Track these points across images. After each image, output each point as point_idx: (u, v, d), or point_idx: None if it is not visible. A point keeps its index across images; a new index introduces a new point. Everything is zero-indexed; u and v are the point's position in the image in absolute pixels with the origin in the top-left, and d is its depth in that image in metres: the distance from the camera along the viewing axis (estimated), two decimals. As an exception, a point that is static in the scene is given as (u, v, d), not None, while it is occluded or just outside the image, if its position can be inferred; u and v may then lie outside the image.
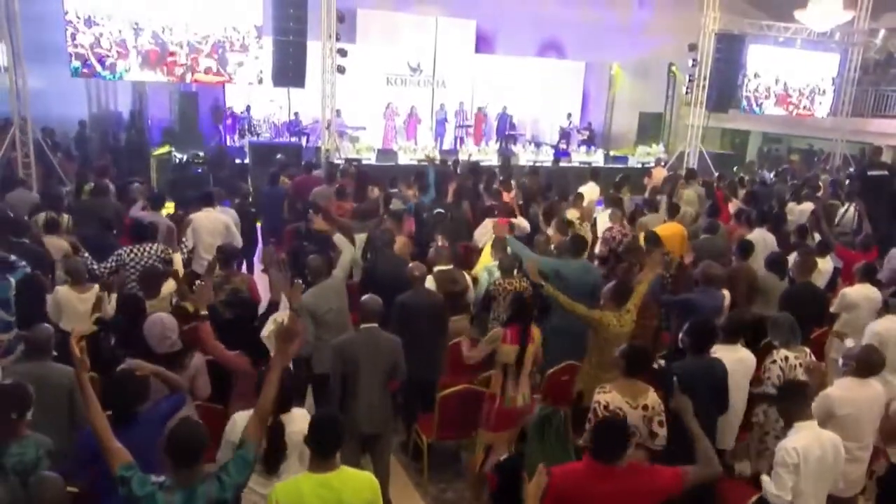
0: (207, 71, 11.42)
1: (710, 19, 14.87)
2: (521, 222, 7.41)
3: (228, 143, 14.72)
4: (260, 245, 8.27)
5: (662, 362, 4.51)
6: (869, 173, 8.50)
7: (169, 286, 5.05)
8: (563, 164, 14.62)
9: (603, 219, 7.86)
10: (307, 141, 15.01)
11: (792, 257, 5.96)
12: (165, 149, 12.68)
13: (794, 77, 16.47)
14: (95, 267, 5.37)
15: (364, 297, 4.20)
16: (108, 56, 10.68)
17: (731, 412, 4.10)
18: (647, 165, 15.03)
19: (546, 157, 15.57)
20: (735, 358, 4.10)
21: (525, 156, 15.57)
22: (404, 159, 14.06)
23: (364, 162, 13.22)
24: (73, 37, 10.37)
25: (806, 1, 13.44)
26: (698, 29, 15.00)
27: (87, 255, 5.44)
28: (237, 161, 13.07)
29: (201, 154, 12.75)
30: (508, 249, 5.72)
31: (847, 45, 16.60)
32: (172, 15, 10.93)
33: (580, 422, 3.83)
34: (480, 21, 17.23)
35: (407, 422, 5.00)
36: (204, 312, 4.08)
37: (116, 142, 13.70)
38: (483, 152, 15.28)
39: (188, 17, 11.05)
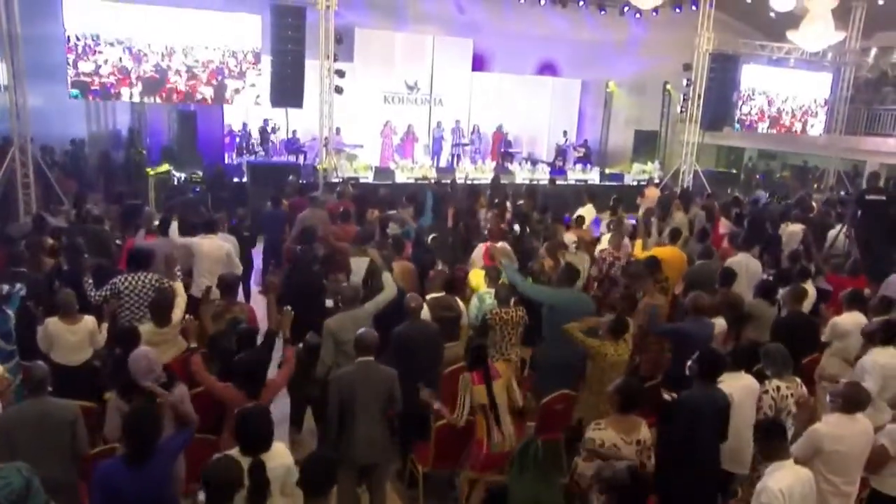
0: (205, 100, 11.66)
1: (705, 39, 15.05)
2: (505, 248, 7.20)
3: (226, 161, 14.77)
4: (256, 267, 8.29)
5: (675, 395, 4.50)
6: (867, 197, 8.57)
7: (178, 314, 5.03)
8: (559, 181, 14.70)
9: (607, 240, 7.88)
10: (304, 159, 15.09)
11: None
12: (164, 168, 12.71)
13: (786, 98, 16.62)
14: (93, 294, 5.32)
15: (359, 332, 4.24)
16: (109, 83, 10.80)
17: (744, 438, 4.08)
18: (641, 183, 15.12)
19: (542, 175, 15.69)
20: (741, 385, 4.19)
21: (521, 174, 15.70)
22: (401, 178, 14.16)
23: (361, 180, 13.31)
24: (76, 64, 10.47)
25: (799, 21, 13.58)
26: (693, 48, 15.19)
27: (90, 280, 5.40)
28: (235, 180, 13.06)
29: (199, 173, 12.77)
30: (502, 278, 5.79)
31: (839, 65, 16.79)
32: (172, 41, 11.06)
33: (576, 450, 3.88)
34: (477, 40, 17.36)
35: (402, 451, 5.02)
36: (194, 345, 4.15)
37: (113, 161, 13.73)
38: (479, 170, 15.37)
39: (187, 42, 11.18)
